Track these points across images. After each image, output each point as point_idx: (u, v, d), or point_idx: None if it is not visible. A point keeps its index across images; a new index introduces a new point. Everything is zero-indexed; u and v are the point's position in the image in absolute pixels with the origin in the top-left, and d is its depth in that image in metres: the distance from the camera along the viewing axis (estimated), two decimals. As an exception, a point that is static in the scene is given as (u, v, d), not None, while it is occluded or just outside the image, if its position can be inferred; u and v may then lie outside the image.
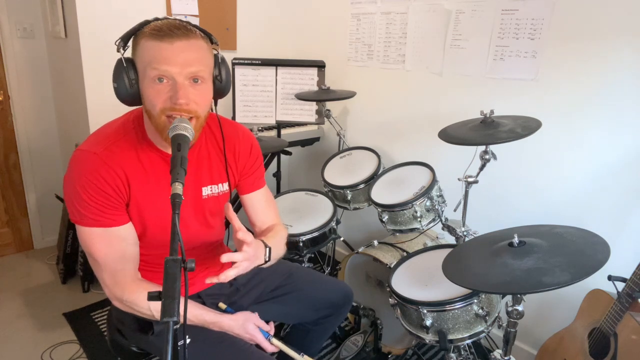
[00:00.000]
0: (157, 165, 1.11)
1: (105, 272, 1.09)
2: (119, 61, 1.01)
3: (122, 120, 1.13)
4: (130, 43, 1.03)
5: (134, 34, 1.01)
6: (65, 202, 1.06)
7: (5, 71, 2.50)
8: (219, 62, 1.10)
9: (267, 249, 1.14)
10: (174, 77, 0.98)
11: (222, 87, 1.12)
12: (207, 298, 1.29)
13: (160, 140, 1.09)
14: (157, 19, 1.02)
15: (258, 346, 1.17)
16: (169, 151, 1.11)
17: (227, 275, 0.98)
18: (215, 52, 1.09)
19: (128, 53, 1.04)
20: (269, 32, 2.77)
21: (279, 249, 1.25)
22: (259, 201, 1.34)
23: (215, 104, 1.17)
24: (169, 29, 0.97)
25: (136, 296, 1.08)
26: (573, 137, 1.72)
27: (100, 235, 1.06)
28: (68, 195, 1.05)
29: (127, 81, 1.01)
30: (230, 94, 2.36)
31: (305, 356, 1.19)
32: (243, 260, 1.01)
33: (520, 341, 1.99)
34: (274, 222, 1.35)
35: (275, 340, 1.17)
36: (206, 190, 1.22)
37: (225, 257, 0.98)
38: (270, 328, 1.19)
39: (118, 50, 1.02)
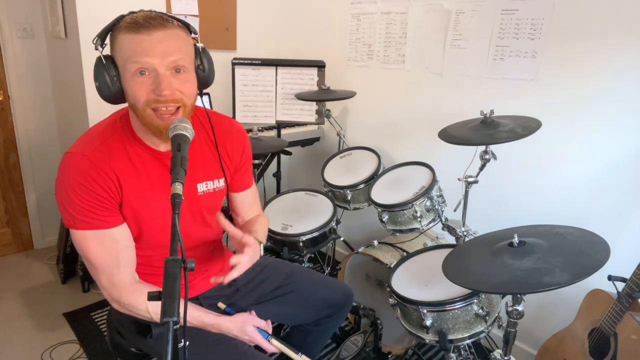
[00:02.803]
0: (148, 163, 1.10)
1: (102, 274, 1.08)
2: (98, 59, 1.00)
3: (109, 120, 1.12)
4: (108, 40, 1.02)
5: (111, 30, 1.00)
6: (58, 206, 1.05)
7: (5, 71, 2.50)
8: (199, 52, 1.08)
9: (261, 245, 1.19)
10: (155, 68, 0.97)
11: (205, 76, 1.10)
12: (206, 300, 1.28)
13: (149, 137, 1.08)
14: (132, 12, 1.01)
15: (257, 347, 1.17)
16: (160, 148, 1.11)
17: (231, 277, 1.06)
18: (195, 42, 1.08)
19: (107, 51, 1.02)
20: (269, 32, 2.77)
21: (265, 237, 1.35)
22: (247, 199, 1.37)
23: (201, 95, 1.16)
24: (145, 21, 0.96)
25: (134, 298, 1.08)
26: (573, 137, 1.72)
27: (94, 237, 1.05)
28: (60, 200, 1.04)
29: (108, 79, 1.00)
30: (230, 94, 2.39)
31: (303, 356, 1.19)
32: (248, 262, 1.10)
33: (520, 341, 1.99)
34: (257, 213, 1.41)
35: (274, 341, 1.17)
36: (201, 187, 1.20)
37: (235, 259, 1.07)
38: (268, 326, 1.19)
39: (96, 48, 1.00)
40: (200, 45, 1.09)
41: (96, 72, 1.00)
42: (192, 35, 1.06)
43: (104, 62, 0.99)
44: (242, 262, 1.08)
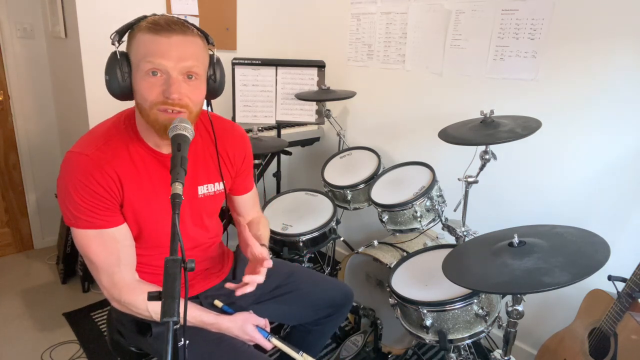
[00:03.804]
0: (149, 164, 1.10)
1: (102, 274, 1.08)
2: (113, 54, 1.01)
3: (113, 120, 1.12)
4: (125, 37, 1.03)
5: (131, 28, 1.01)
6: (59, 205, 1.05)
7: (5, 71, 2.50)
8: (214, 62, 1.09)
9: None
10: (168, 71, 0.97)
11: (215, 87, 1.12)
12: (206, 300, 1.28)
13: (153, 138, 1.09)
14: (154, 15, 1.02)
15: (256, 345, 1.17)
16: (162, 150, 1.11)
17: (244, 291, 1.10)
18: (211, 52, 1.09)
19: (123, 47, 1.03)
20: (269, 32, 2.77)
21: (268, 239, 1.41)
22: (248, 201, 1.40)
23: (209, 104, 1.17)
24: (166, 24, 0.97)
25: (134, 297, 1.08)
26: (573, 137, 1.72)
27: (95, 237, 1.05)
28: (61, 198, 1.04)
29: (120, 74, 1.00)
30: (230, 94, 2.38)
31: (305, 355, 1.19)
32: (262, 280, 1.12)
33: (520, 341, 1.99)
34: (257, 215, 1.45)
35: (274, 340, 1.17)
36: (202, 189, 1.21)
37: (248, 278, 1.10)
38: (266, 324, 1.19)
39: (113, 44, 1.01)
40: (216, 55, 1.10)
41: (108, 66, 1.01)
42: (209, 45, 1.08)
43: (119, 57, 1.00)
44: (255, 282, 1.11)
